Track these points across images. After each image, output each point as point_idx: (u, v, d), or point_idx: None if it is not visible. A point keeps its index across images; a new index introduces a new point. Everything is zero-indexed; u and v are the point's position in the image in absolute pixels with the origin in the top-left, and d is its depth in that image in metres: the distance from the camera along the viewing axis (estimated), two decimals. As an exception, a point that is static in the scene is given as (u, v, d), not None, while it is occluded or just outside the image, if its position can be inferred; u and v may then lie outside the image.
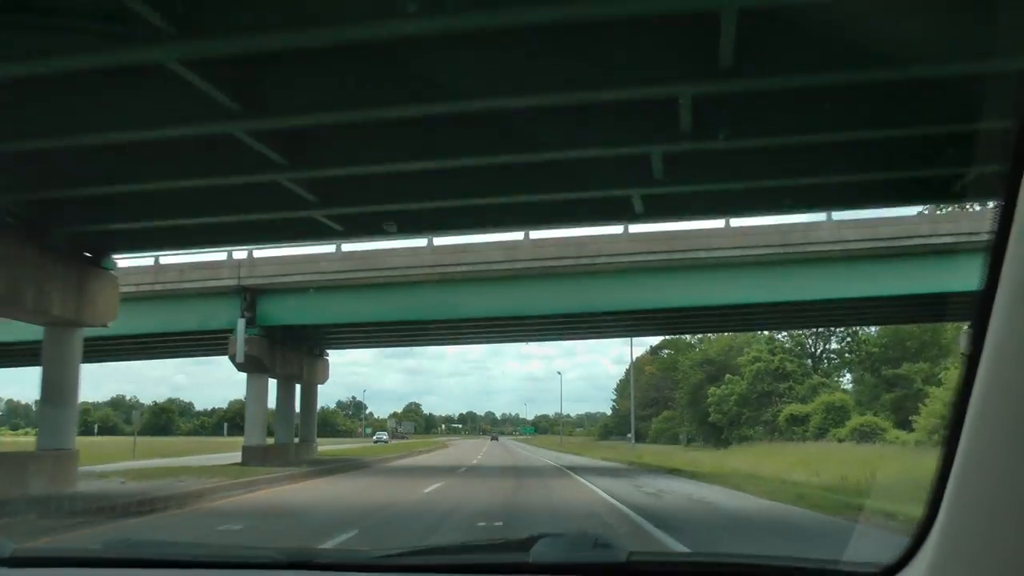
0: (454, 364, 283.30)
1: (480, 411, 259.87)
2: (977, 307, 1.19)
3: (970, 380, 1.20)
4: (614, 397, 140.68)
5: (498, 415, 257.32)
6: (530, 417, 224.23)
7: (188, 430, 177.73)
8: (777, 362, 71.42)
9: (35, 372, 17.79)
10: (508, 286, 25.72)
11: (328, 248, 26.65)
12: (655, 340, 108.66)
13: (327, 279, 26.34)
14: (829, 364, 77.57)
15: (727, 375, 73.64)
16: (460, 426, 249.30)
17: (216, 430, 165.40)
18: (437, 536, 10.44)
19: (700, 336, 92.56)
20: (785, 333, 77.33)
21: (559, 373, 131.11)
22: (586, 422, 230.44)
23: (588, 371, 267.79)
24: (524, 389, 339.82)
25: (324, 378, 36.25)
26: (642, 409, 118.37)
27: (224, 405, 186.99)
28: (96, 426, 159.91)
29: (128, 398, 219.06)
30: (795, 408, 64.11)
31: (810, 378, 70.21)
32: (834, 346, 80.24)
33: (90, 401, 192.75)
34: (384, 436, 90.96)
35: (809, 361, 76.34)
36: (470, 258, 25.32)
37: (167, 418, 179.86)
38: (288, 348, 30.96)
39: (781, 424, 64.31)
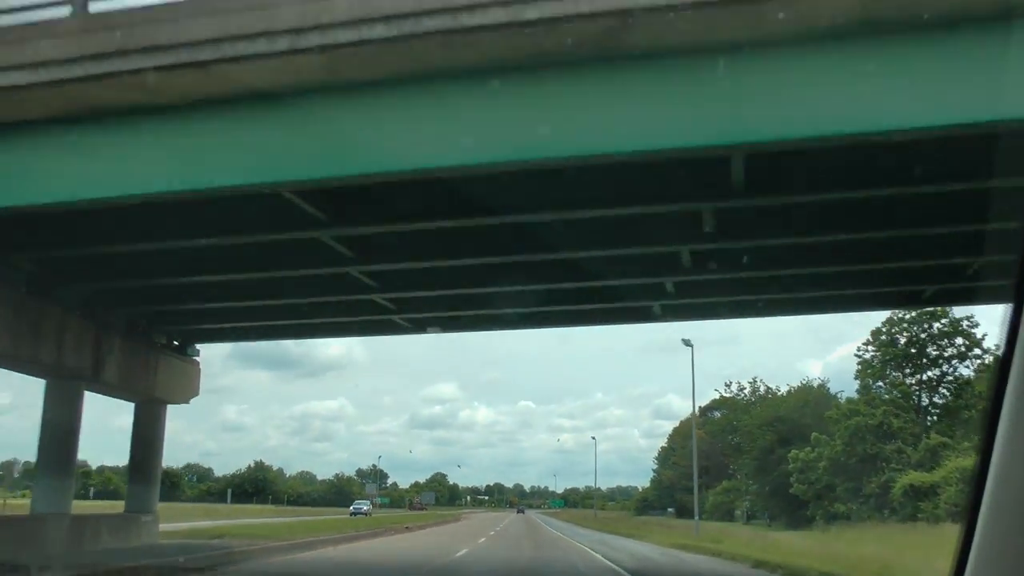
0: (484, 435, 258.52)
1: (508, 483, 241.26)
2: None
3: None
4: (655, 467, 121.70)
5: (527, 487, 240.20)
6: (559, 490, 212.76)
7: (196, 495, 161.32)
8: (880, 416, 53.88)
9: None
10: (498, 91, 9.05)
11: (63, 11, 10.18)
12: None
13: (54, 80, 9.82)
14: (941, 421, 59.64)
15: (813, 434, 55.93)
16: (486, 498, 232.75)
17: (221, 496, 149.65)
18: None
19: (763, 391, 74.87)
20: (881, 382, 59.97)
21: (593, 438, 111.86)
22: (618, 496, 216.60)
23: (618, 444, 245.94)
24: (553, 462, 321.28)
25: (186, 393, 19.65)
26: (688, 480, 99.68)
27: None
28: (92, 489, 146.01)
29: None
30: (915, 477, 46.46)
31: (926, 437, 52.48)
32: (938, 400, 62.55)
33: (110, 465, 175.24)
34: (364, 506, 72.67)
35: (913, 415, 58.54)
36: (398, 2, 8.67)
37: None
38: (55, 307, 14.29)
39: (895, 498, 46.77)
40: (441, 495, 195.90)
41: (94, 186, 10.43)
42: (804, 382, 68.25)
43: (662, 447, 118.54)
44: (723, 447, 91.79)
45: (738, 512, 77.22)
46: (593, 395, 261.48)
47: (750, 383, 67.01)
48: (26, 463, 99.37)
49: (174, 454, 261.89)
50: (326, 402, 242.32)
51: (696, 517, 44.18)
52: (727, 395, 75.15)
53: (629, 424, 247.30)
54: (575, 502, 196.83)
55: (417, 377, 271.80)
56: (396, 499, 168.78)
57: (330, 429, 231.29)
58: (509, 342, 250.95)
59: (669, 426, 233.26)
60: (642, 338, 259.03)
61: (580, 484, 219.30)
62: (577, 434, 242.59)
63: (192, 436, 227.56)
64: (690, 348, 41.63)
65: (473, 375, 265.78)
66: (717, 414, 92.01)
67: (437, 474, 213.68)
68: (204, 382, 20.59)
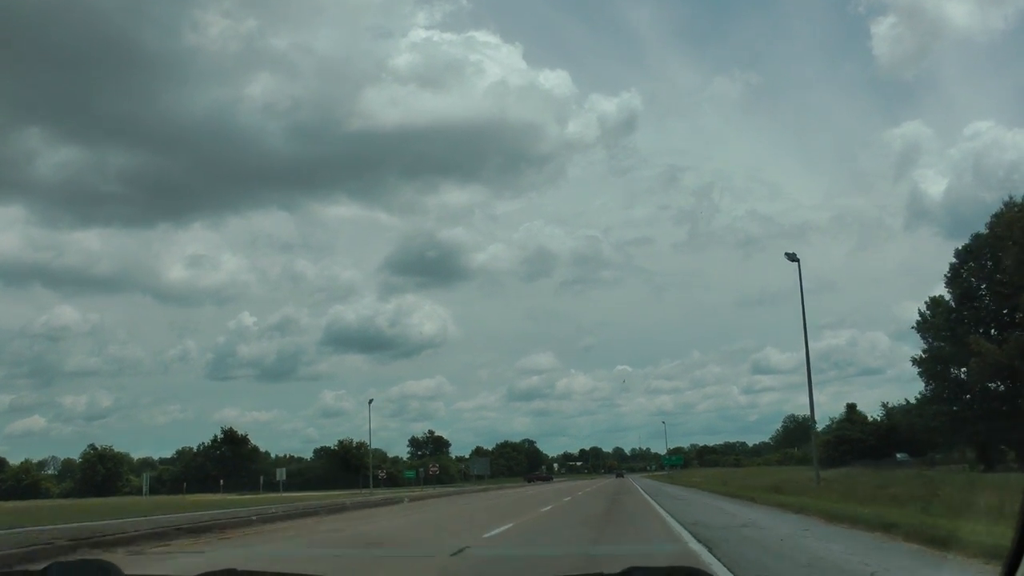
0: (582, 403, 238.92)
1: (608, 447, 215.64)
2: None
3: None
4: (918, 354, 55.12)
5: (627, 451, 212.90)
6: (661, 452, 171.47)
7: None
8: None
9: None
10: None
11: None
12: None
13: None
14: None
15: None
16: (580, 463, 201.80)
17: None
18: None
19: None
20: None
21: (793, 256, 29.68)
22: (735, 451, 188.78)
23: (718, 402, 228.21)
24: (654, 424, 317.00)
25: None
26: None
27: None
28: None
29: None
30: None
31: None
32: None
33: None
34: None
35: None
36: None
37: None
38: None
39: None
40: (518, 463, 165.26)
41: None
42: None
43: (931, 301, 53.84)
44: None
45: None
46: (690, 354, 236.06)
47: None
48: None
49: (276, 442, 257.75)
50: (423, 381, 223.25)
51: None
52: None
53: (728, 381, 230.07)
54: (686, 461, 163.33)
55: (512, 350, 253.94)
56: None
57: (429, 408, 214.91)
58: (602, 307, 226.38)
59: (770, 380, 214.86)
60: (736, 292, 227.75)
61: (684, 443, 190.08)
62: (676, 394, 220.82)
63: (291, 424, 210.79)
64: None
65: (568, 343, 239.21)
66: None
67: (524, 441, 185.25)
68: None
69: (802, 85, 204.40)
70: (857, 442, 64.12)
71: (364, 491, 77.30)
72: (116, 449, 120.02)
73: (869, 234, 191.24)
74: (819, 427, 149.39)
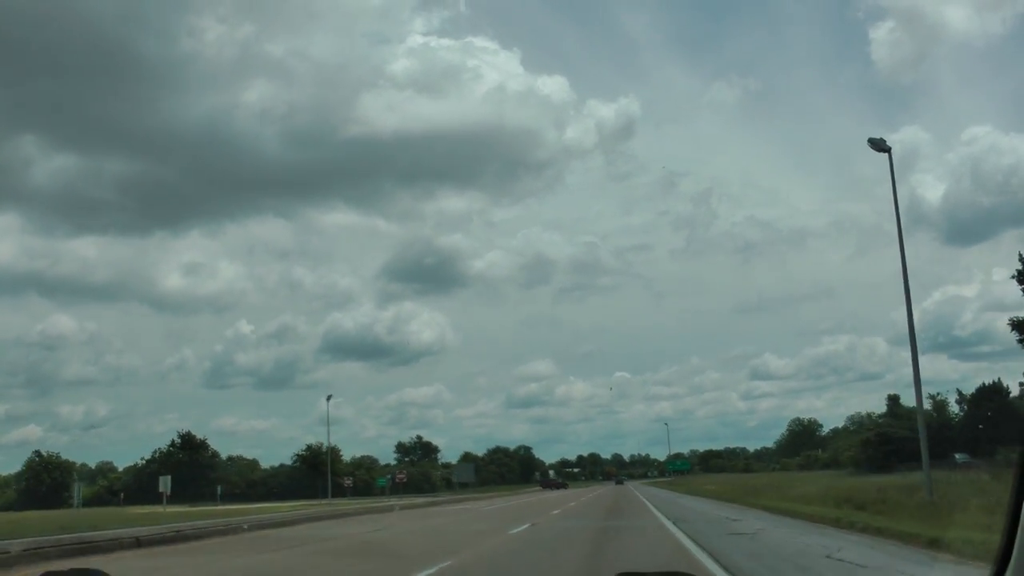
0: (581, 410, 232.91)
1: (606, 454, 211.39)
2: None
3: None
4: None
5: (626, 457, 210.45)
6: (660, 458, 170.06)
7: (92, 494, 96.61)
8: None
9: None
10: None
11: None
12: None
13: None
14: None
15: None
16: (577, 469, 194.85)
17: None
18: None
19: None
20: None
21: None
22: (739, 456, 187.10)
23: (717, 408, 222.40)
24: (652, 431, 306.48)
25: None
26: None
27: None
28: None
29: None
30: None
31: None
32: None
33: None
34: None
35: None
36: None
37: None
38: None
39: None
40: (511, 470, 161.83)
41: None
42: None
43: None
44: None
45: None
46: (688, 360, 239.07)
47: None
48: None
49: (275, 451, 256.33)
50: (421, 389, 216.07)
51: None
52: None
53: (727, 387, 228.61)
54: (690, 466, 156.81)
55: (511, 357, 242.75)
56: (414, 477, 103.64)
57: (427, 416, 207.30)
58: (600, 313, 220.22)
59: (768, 386, 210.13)
60: (734, 298, 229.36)
61: (684, 449, 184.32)
62: (675, 400, 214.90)
63: (289, 432, 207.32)
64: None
65: (567, 350, 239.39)
66: None
67: (520, 447, 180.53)
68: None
69: (800, 90, 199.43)
70: (905, 441, 52.42)
71: (323, 501, 65.94)
72: (105, 458, 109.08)
73: (867, 239, 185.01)
74: (825, 430, 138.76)
